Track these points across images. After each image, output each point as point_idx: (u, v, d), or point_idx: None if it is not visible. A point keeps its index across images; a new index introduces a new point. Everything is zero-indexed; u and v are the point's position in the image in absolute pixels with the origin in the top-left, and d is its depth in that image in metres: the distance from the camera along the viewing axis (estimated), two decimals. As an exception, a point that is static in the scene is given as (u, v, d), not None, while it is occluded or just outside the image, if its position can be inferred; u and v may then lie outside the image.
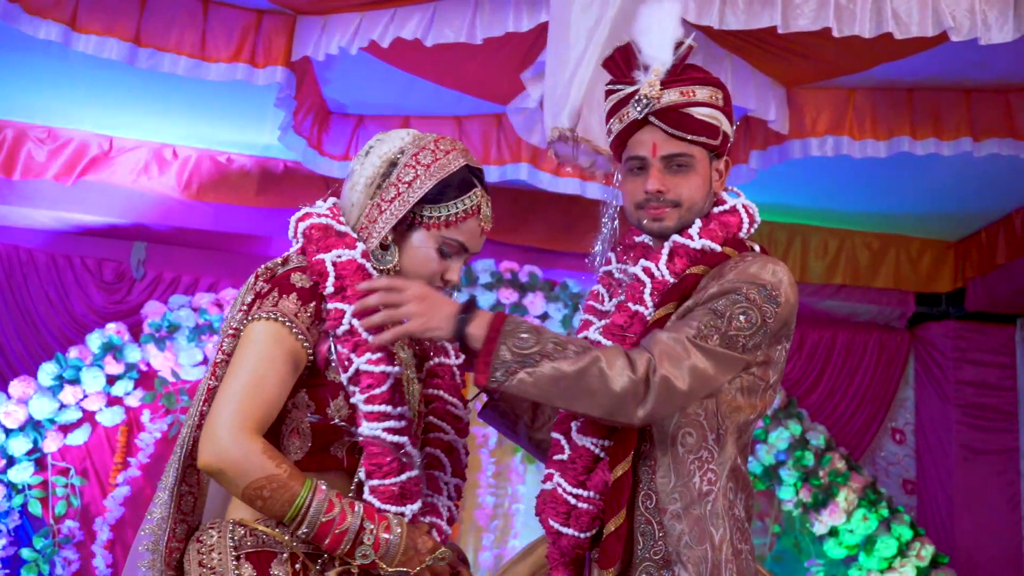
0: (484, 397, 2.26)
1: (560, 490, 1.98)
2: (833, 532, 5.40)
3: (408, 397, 1.99)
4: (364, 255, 1.92)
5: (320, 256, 1.89)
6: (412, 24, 3.67)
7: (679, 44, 2.03)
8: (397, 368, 1.88)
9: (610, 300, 2.16)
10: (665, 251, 2.02)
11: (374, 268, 1.94)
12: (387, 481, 1.84)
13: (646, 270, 2.02)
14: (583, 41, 2.95)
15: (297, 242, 1.98)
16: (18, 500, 4.94)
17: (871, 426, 5.96)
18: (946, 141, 4.19)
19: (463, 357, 2.15)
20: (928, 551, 5.35)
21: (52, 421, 4.98)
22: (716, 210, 2.06)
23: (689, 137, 2.00)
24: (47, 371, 4.97)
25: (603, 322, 2.08)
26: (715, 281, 1.95)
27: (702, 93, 2.01)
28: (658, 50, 2.02)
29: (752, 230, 2.08)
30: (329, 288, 1.87)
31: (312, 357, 1.87)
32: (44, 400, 4.93)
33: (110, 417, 5.08)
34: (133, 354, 5.08)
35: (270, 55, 3.91)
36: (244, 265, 4.99)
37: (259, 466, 1.76)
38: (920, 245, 5.86)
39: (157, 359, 5.10)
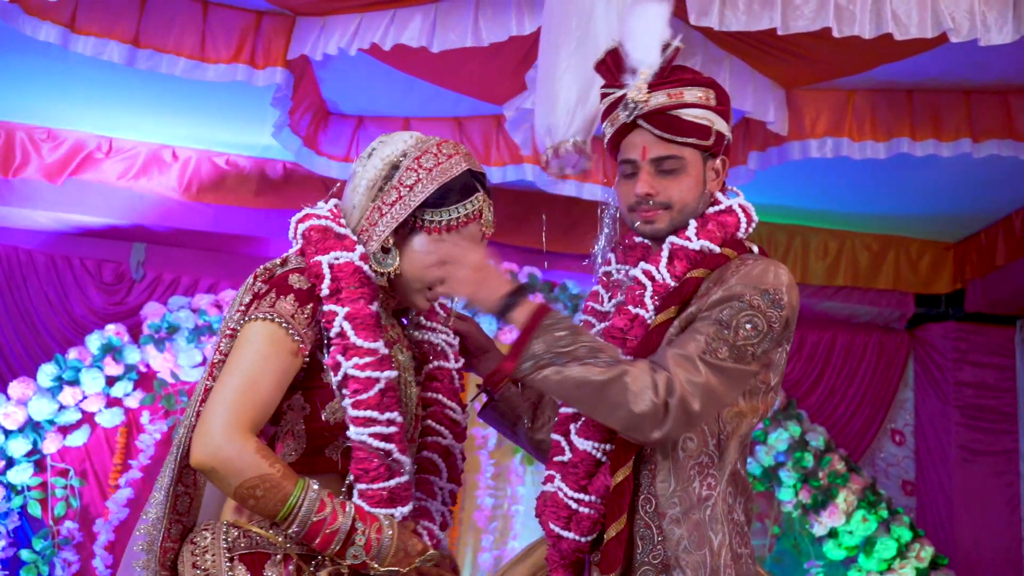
0: (484, 397, 2.26)
1: (561, 494, 1.98)
2: (832, 533, 5.40)
3: (405, 400, 1.98)
4: (363, 258, 1.91)
5: (318, 258, 1.89)
6: (413, 26, 3.66)
7: (666, 46, 2.02)
8: (387, 373, 1.86)
9: (610, 301, 2.15)
10: (664, 253, 2.01)
11: (373, 271, 1.93)
12: (375, 486, 1.84)
13: (646, 273, 2.01)
14: (573, 47, 2.93)
15: (297, 243, 1.97)
16: (17, 501, 4.94)
17: (871, 427, 5.96)
18: (945, 142, 4.19)
19: (462, 361, 2.16)
20: (927, 552, 5.35)
21: (51, 422, 4.98)
22: (711, 210, 2.04)
23: (678, 139, 1.99)
24: (46, 372, 4.97)
25: (603, 324, 2.08)
26: (717, 286, 1.93)
27: (691, 94, 2.00)
28: (645, 53, 2.01)
29: (750, 230, 2.07)
30: (325, 290, 1.87)
31: (308, 359, 1.87)
32: (43, 401, 4.93)
33: (109, 418, 5.08)
34: (132, 355, 5.08)
35: (269, 56, 3.90)
36: (243, 266, 4.97)
37: (252, 465, 1.76)
38: (920, 246, 5.85)
39: (156, 360, 5.10)
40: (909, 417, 6.09)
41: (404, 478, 1.88)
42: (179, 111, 4.75)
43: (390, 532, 1.82)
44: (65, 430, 5.03)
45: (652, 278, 2.00)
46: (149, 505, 1.93)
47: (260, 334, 1.83)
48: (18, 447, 4.91)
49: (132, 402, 5.11)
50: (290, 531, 1.79)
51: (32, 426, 4.96)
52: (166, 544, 1.90)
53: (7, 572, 4.90)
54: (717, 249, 2.00)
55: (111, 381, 5.06)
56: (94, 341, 5.04)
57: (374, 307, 1.88)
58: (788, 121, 4.17)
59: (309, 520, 1.77)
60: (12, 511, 4.93)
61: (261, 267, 1.97)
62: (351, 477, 1.86)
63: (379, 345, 1.86)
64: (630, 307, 2.00)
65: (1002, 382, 5.93)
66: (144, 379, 5.14)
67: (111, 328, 5.08)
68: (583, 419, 2.00)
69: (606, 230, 2.42)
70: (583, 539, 1.96)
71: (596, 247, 2.37)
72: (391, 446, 1.85)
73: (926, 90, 4.20)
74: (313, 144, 4.63)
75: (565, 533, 1.97)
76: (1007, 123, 4.17)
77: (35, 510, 4.97)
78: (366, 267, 1.91)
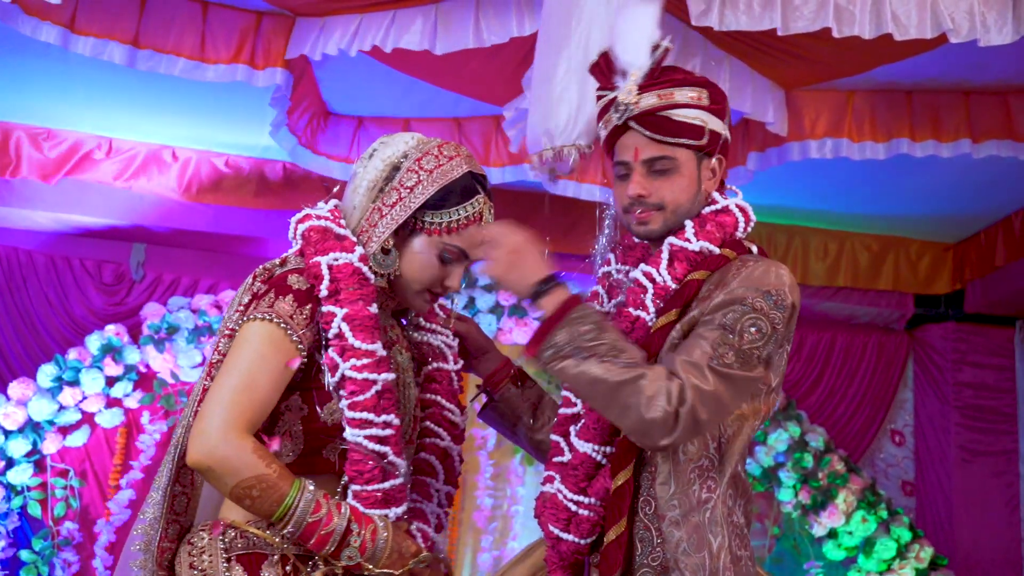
0: (484, 398, 2.26)
1: (560, 496, 1.98)
2: (832, 534, 5.39)
3: (404, 402, 1.98)
4: (362, 259, 1.90)
5: (317, 259, 1.89)
6: (414, 27, 3.66)
7: (656, 47, 2.01)
8: (385, 375, 1.86)
9: (609, 301, 2.15)
10: (664, 255, 2.00)
11: (372, 272, 1.92)
12: (369, 487, 1.84)
13: (647, 275, 2.00)
14: (573, 50, 2.92)
15: (296, 244, 1.97)
16: (17, 502, 4.94)
17: (870, 428, 5.96)
18: (945, 143, 4.19)
19: (461, 363, 2.16)
20: (927, 553, 5.35)
21: (51, 423, 4.98)
22: (707, 210, 2.03)
23: (669, 140, 1.99)
24: (46, 373, 4.97)
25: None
26: (719, 289, 1.93)
27: (682, 94, 2.00)
28: (634, 55, 2.01)
29: (748, 229, 2.06)
30: (323, 291, 1.87)
31: (306, 360, 1.87)
32: (43, 402, 4.93)
33: (109, 419, 5.08)
34: (132, 356, 5.08)
35: (269, 57, 3.90)
36: (243, 267, 4.95)
37: (249, 465, 1.75)
38: (919, 247, 5.85)
39: (156, 361, 5.10)
40: (909, 418, 6.09)
41: (399, 480, 1.87)
42: (179, 111, 4.75)
43: (385, 534, 1.82)
44: (65, 430, 5.03)
45: (653, 280, 1.99)
46: (147, 505, 1.93)
47: (258, 334, 1.83)
48: (18, 447, 4.91)
49: (132, 402, 5.11)
50: (285, 531, 1.79)
51: (32, 426, 4.96)
52: (163, 544, 1.91)
53: (7, 572, 4.90)
54: (717, 250, 1.99)
55: (111, 381, 5.06)
56: (94, 341, 5.04)
57: (373, 309, 1.87)
58: (788, 122, 4.16)
59: (304, 521, 1.77)
60: (12, 511, 4.93)
61: (260, 267, 1.97)
62: (347, 478, 1.86)
63: (377, 347, 1.85)
64: (631, 309, 1.99)
65: (1001, 383, 5.93)
66: (144, 379, 5.14)
67: (111, 328, 5.09)
68: (583, 421, 1.99)
69: (606, 230, 2.41)
70: (582, 541, 1.96)
71: (596, 247, 2.36)
72: (386, 448, 1.85)
73: (926, 91, 4.20)
74: (310, 144, 4.63)
75: (564, 535, 1.97)
76: (1007, 124, 4.16)
77: (35, 510, 4.97)
78: (365, 268, 1.91)
